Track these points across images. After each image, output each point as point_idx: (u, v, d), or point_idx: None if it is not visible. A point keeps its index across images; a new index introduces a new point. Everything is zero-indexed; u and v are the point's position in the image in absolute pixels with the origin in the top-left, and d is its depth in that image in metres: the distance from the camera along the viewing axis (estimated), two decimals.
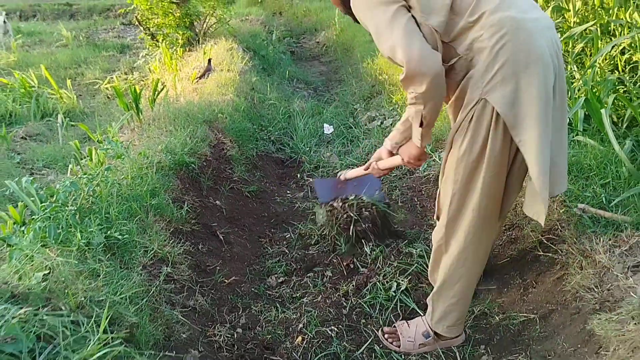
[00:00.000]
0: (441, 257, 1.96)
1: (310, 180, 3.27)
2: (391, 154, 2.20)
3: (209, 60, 4.82)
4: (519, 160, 1.74)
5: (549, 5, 3.99)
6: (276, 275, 2.58)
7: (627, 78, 3.20)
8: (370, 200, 2.67)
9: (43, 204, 2.13)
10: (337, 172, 3.66)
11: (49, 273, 1.68)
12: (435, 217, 2.00)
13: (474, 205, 1.78)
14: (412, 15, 1.64)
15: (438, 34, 1.64)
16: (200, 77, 4.70)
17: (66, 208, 2.10)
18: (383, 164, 2.26)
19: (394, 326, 2.17)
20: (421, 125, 1.74)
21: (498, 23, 1.59)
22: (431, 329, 2.08)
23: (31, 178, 2.33)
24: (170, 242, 2.31)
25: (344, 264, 2.55)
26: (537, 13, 1.71)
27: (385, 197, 2.87)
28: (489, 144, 1.66)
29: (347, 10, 1.85)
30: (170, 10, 6.28)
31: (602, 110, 2.57)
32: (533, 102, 1.59)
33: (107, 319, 1.48)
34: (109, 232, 2.06)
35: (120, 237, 2.05)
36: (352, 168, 2.70)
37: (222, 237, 2.72)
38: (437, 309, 2.03)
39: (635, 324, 1.63)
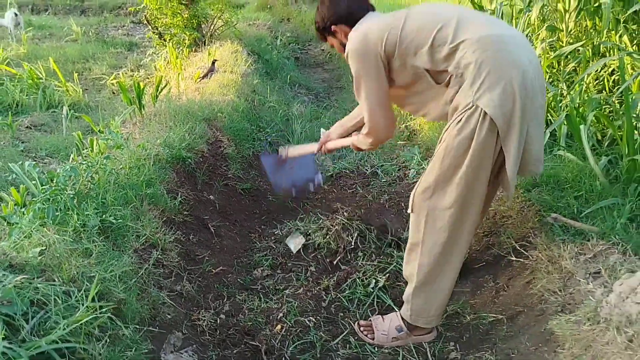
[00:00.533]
0: (419, 249, 2.05)
1: (261, 156, 3.24)
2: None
3: (214, 62, 4.96)
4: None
5: (544, 24, 4.12)
6: (262, 268, 2.69)
7: (614, 98, 3.32)
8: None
9: (43, 187, 2.25)
10: (330, 174, 3.80)
11: (45, 249, 1.80)
12: (410, 210, 2.09)
13: (456, 197, 1.93)
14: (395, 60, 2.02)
15: (424, 69, 1.98)
16: (203, 77, 4.84)
17: (65, 192, 2.22)
18: (332, 145, 2.63)
19: (370, 320, 2.28)
20: (353, 147, 2.40)
21: (479, 41, 1.87)
22: (405, 324, 2.19)
23: (33, 162, 2.46)
24: (162, 230, 2.42)
25: (328, 260, 2.66)
26: (513, 32, 1.99)
27: (323, 177, 3.06)
28: (474, 139, 1.85)
29: (323, 39, 2.33)
30: (179, 11, 6.44)
31: (581, 127, 2.69)
32: (517, 102, 1.82)
33: (97, 292, 1.59)
34: (104, 216, 2.18)
35: (114, 221, 2.17)
36: (332, 165, 2.84)
37: (213, 230, 2.84)
38: (418, 302, 2.12)
39: (590, 324, 1.74)
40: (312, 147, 2.78)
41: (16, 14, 9.09)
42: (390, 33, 2.00)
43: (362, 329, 2.25)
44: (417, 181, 3.45)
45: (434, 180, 1.97)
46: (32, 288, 1.47)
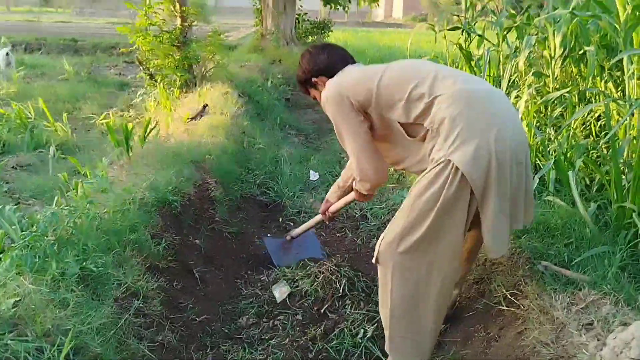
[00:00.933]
0: (389, 304, 1.97)
1: (263, 238, 3.33)
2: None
3: (204, 106, 4.95)
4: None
5: (531, 70, 4.18)
6: (247, 317, 2.62)
7: (601, 143, 3.34)
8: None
9: (23, 233, 2.19)
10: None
11: (20, 300, 1.73)
12: (374, 261, 2.03)
13: (423, 250, 1.89)
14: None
15: (398, 123, 2.03)
16: (192, 119, 4.83)
17: (45, 238, 2.17)
18: (335, 208, 2.72)
19: None
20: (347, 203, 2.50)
21: (453, 96, 1.89)
22: None
23: (14, 207, 2.40)
24: (145, 277, 2.36)
25: (315, 308, 2.59)
26: (487, 86, 2.05)
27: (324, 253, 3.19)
28: (443, 194, 1.81)
29: (305, 91, 2.41)
30: (171, 53, 6.48)
31: (570, 173, 2.69)
32: (493, 161, 1.79)
33: (72, 347, 1.52)
34: (84, 263, 2.11)
35: (95, 269, 2.11)
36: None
37: (197, 276, 2.77)
38: (397, 357, 2.05)
39: None
40: (317, 219, 2.92)
41: (8, 54, 9.15)
42: (366, 84, 2.06)
43: None
44: None
45: (401, 232, 1.91)
46: (2, 345, 1.40)
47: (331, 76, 2.23)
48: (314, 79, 2.31)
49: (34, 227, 2.22)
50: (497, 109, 1.90)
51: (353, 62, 2.32)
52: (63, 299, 1.84)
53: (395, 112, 2.01)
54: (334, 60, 2.29)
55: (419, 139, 2.00)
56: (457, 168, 1.78)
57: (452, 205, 1.83)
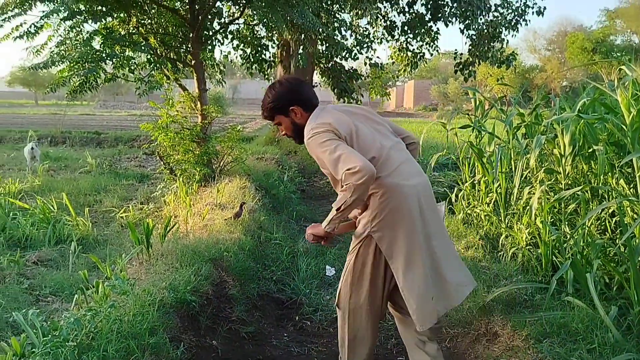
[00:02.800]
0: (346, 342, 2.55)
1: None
2: None
3: (242, 205, 5.02)
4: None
5: (542, 167, 4.27)
6: None
7: (618, 243, 3.34)
8: None
9: (45, 338, 2.22)
10: (335, 316, 3.73)
11: None
12: (335, 305, 2.60)
13: (362, 300, 2.44)
14: None
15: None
16: (233, 217, 4.85)
17: (67, 344, 2.19)
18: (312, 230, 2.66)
19: None
20: (338, 209, 2.23)
21: (385, 185, 2.28)
22: None
23: (37, 310, 2.44)
24: None
25: None
26: (418, 179, 2.40)
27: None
28: (374, 263, 2.38)
29: (271, 117, 2.55)
30: (191, 149, 6.74)
31: (587, 275, 2.69)
32: (404, 248, 2.29)
33: None
34: None
35: None
36: None
37: None
38: None
39: None
40: None
41: (33, 148, 9.54)
42: (349, 125, 2.36)
43: None
44: (453, 324, 3.41)
45: (350, 284, 2.46)
46: None
47: (306, 109, 2.47)
48: (292, 107, 2.47)
49: (57, 332, 2.24)
50: (414, 205, 2.30)
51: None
52: None
53: None
54: (311, 95, 2.54)
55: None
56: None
57: (379, 273, 2.44)
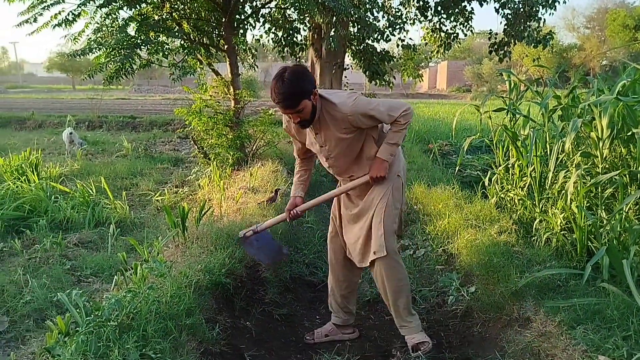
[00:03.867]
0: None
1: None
2: (302, 201, 3.18)
3: (276, 190, 5.10)
4: None
5: (578, 151, 4.18)
6: None
7: None
8: None
9: (88, 318, 2.32)
10: (367, 299, 3.78)
11: None
12: (375, 260, 2.89)
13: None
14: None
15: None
16: (267, 201, 4.94)
17: (108, 323, 2.29)
18: (304, 207, 3.17)
19: None
20: (396, 143, 2.86)
21: None
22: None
23: (80, 291, 2.55)
24: None
25: None
26: None
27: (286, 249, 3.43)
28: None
29: (296, 104, 2.66)
30: (224, 133, 6.83)
31: (624, 261, 2.64)
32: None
33: None
34: (144, 349, 2.21)
35: (153, 355, 2.20)
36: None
37: None
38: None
39: None
40: (281, 217, 3.22)
41: (71, 133, 9.80)
42: None
43: None
44: (456, 309, 3.42)
45: (390, 227, 2.92)
46: None
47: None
48: (313, 90, 2.69)
49: (99, 312, 2.34)
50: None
51: None
52: None
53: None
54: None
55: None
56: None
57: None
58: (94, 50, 5.78)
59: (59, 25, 5.85)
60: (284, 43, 12.83)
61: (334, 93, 2.82)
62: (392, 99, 2.86)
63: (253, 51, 9.79)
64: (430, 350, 2.96)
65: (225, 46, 7.33)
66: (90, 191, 5.84)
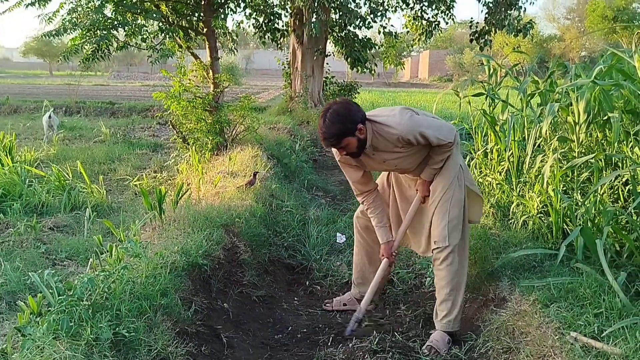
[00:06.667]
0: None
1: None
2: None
3: (254, 174, 5.06)
4: None
5: (555, 135, 4.22)
6: None
7: (630, 209, 3.32)
8: None
9: (60, 297, 2.28)
10: (345, 281, 3.79)
11: None
12: (440, 249, 2.85)
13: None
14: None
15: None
16: (246, 184, 4.90)
17: (81, 302, 2.25)
18: (397, 246, 3.11)
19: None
20: (437, 166, 2.92)
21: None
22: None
23: (53, 271, 2.50)
24: (174, 342, 2.40)
25: None
26: None
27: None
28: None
29: (339, 142, 2.74)
30: (203, 117, 6.75)
31: (597, 241, 2.68)
32: None
33: None
34: (117, 328, 2.18)
35: (127, 334, 2.17)
36: None
37: (225, 341, 2.80)
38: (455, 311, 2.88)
39: None
40: (384, 268, 3.07)
41: (50, 116, 9.60)
42: None
43: None
44: (432, 289, 3.45)
45: (462, 217, 2.95)
46: None
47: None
48: (360, 126, 2.72)
49: (71, 291, 2.30)
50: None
51: None
52: None
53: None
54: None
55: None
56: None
57: None
58: (68, 30, 5.65)
59: (32, 4, 5.70)
60: (264, 29, 12.72)
61: (387, 115, 2.83)
62: (442, 121, 2.96)
63: (233, 36, 9.68)
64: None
65: (205, 29, 7.23)
66: (66, 175, 5.73)
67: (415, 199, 3.06)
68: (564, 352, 2.23)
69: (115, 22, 5.93)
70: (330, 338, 3.00)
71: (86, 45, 5.86)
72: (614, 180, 3.67)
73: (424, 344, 2.84)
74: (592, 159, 3.55)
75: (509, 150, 4.51)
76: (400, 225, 3.14)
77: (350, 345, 2.68)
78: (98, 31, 5.71)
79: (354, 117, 2.73)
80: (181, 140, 7.07)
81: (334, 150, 2.92)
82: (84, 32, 5.89)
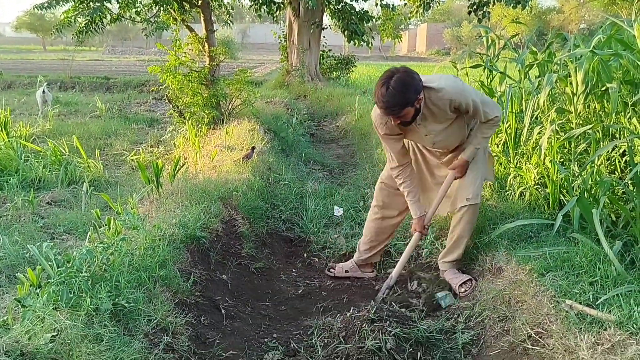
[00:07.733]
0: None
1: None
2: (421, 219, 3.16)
3: (252, 148, 5.05)
4: None
5: (553, 106, 4.20)
6: (273, 353, 2.64)
7: (626, 179, 3.32)
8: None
9: (59, 269, 2.29)
10: (343, 253, 3.81)
11: (57, 335, 1.81)
12: (463, 205, 3.01)
13: None
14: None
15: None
16: (244, 158, 4.90)
17: (80, 274, 2.26)
18: (429, 220, 3.18)
19: None
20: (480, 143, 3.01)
21: None
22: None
23: (51, 244, 2.51)
24: (174, 312, 2.43)
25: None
26: None
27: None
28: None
29: (400, 112, 2.68)
30: (199, 91, 6.70)
31: (593, 210, 2.69)
32: None
33: None
34: (117, 299, 2.20)
35: (126, 304, 2.19)
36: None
37: (224, 311, 2.83)
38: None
39: None
40: (415, 240, 3.22)
41: (44, 91, 9.50)
42: None
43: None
44: (430, 261, 3.47)
45: (482, 179, 3.12)
46: None
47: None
48: (419, 95, 2.69)
49: (70, 263, 2.31)
50: None
51: None
52: (97, 334, 1.91)
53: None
54: None
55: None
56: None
57: None
58: (61, 3, 5.56)
59: None
60: (260, 1, 12.54)
61: (438, 78, 2.83)
62: (489, 98, 3.05)
63: (229, 8, 9.55)
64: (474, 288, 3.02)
65: (199, 1, 7.13)
66: (62, 150, 5.71)
67: (448, 177, 3.10)
68: (559, 319, 2.26)
69: None
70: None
71: (79, 17, 5.77)
72: (611, 151, 3.67)
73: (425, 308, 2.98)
74: (589, 129, 3.54)
75: (507, 122, 4.50)
76: (429, 200, 3.26)
77: (348, 314, 2.71)
78: (91, 3, 5.63)
79: (418, 87, 2.68)
80: (177, 114, 7.03)
81: (377, 120, 2.92)
82: (77, 4, 5.81)
